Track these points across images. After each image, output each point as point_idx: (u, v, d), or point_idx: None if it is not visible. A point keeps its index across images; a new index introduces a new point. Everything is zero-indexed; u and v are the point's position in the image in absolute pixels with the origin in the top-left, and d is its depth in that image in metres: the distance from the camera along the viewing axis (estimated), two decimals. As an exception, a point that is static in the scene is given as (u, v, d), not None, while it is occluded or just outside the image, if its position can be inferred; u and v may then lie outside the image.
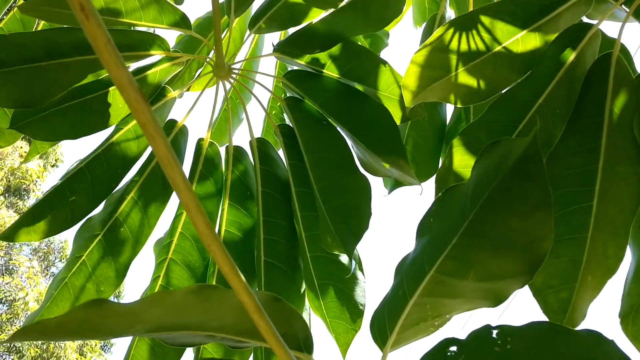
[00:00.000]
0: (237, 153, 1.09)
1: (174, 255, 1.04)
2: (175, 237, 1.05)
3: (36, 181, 10.06)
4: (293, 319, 0.62)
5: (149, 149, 1.07)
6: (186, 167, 1.08)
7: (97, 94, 1.01)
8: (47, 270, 10.57)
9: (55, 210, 0.98)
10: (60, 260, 10.60)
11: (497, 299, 0.57)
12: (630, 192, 0.77)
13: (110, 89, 1.02)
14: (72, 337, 0.57)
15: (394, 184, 1.11)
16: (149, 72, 1.04)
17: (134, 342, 1.01)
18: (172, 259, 1.04)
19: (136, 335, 0.62)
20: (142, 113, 0.39)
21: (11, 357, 9.47)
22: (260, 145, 1.08)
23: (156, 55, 1.05)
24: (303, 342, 0.62)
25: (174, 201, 1.11)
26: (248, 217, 1.06)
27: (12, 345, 9.57)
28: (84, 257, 1.00)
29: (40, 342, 9.56)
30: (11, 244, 10.44)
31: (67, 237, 11.40)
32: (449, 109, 1.16)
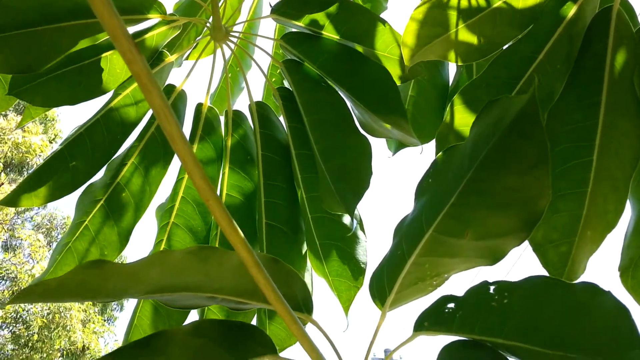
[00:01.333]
0: (237, 117, 1.09)
1: (176, 220, 1.05)
2: (177, 202, 1.06)
3: (39, 155, 10.07)
4: (292, 280, 0.63)
5: (148, 115, 1.07)
6: (186, 133, 1.08)
7: (94, 59, 1.00)
8: (50, 245, 10.66)
9: (56, 175, 0.98)
10: (64, 236, 10.67)
11: (494, 257, 0.57)
12: (631, 146, 0.77)
13: (108, 53, 1.01)
14: (72, 298, 0.57)
15: (398, 145, 1.11)
16: (147, 35, 1.03)
17: (139, 305, 1.03)
18: (174, 223, 1.05)
19: (136, 296, 0.63)
20: (136, 63, 0.39)
21: (18, 327, 9.60)
22: (260, 109, 1.08)
23: (154, 18, 1.04)
24: (302, 303, 0.63)
25: (175, 167, 1.11)
26: (249, 181, 1.06)
27: (18, 315, 9.70)
28: (86, 222, 1.00)
29: (46, 313, 9.69)
30: (14, 220, 10.51)
31: (69, 214, 11.45)
32: (451, 70, 1.15)
